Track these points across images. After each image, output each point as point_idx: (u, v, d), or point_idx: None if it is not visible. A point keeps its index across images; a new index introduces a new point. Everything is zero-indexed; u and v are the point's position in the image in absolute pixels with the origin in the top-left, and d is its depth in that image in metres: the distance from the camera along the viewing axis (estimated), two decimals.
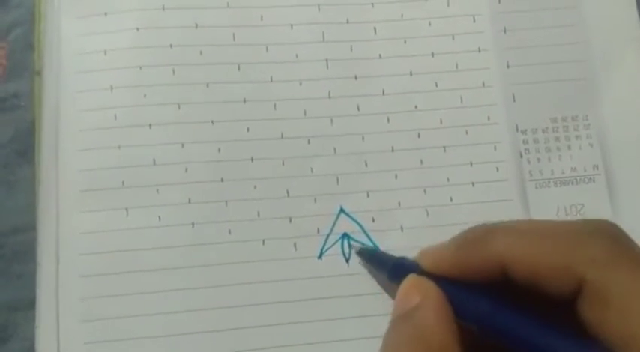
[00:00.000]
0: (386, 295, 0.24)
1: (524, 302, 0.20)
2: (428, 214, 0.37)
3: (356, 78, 0.38)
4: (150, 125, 0.37)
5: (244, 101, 0.37)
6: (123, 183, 0.36)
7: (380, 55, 0.39)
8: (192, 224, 0.36)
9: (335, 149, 0.37)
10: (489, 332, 0.20)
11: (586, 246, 0.19)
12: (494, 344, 0.20)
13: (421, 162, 0.38)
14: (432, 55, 0.39)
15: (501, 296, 0.20)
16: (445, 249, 0.22)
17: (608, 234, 0.19)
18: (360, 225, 0.36)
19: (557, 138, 0.38)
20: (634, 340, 0.17)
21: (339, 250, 0.36)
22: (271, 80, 0.38)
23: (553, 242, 0.19)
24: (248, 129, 0.37)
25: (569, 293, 0.19)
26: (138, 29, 0.38)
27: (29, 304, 0.35)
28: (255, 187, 0.36)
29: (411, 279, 0.22)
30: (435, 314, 0.20)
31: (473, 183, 0.37)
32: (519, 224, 0.21)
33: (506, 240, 0.20)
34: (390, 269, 0.24)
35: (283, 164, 0.37)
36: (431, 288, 0.21)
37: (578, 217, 0.37)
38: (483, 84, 0.39)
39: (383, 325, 0.21)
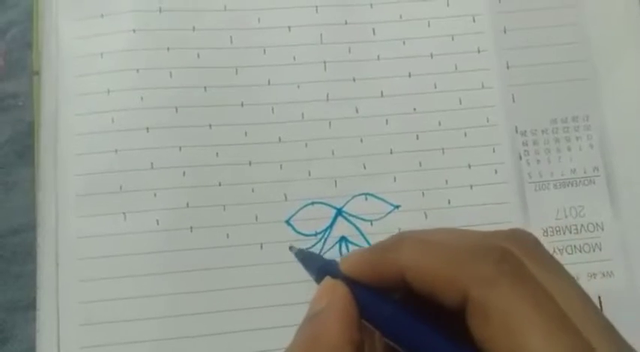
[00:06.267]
0: None
1: (427, 311, 0.20)
2: (426, 217, 0.37)
3: (354, 80, 0.38)
4: (147, 129, 0.36)
5: (242, 104, 0.37)
6: (120, 187, 0.36)
7: (378, 57, 0.38)
8: (191, 228, 0.36)
9: (333, 152, 0.37)
10: (389, 335, 0.21)
11: (473, 263, 0.20)
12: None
13: (420, 164, 0.37)
14: (431, 56, 0.39)
15: (408, 304, 0.21)
16: (363, 253, 0.22)
17: (501, 250, 0.20)
18: (357, 228, 0.36)
19: (557, 140, 0.38)
20: None
21: (337, 253, 0.36)
22: (269, 83, 0.38)
23: (446, 256, 0.20)
24: (246, 133, 0.37)
25: (458, 307, 0.20)
26: (134, 31, 0.37)
27: (28, 305, 0.35)
28: (253, 191, 0.36)
29: (324, 283, 0.23)
30: (333, 318, 0.21)
31: (471, 186, 0.37)
32: (429, 234, 0.22)
33: (408, 250, 0.21)
34: (316, 272, 0.25)
35: (281, 168, 0.37)
36: (339, 293, 0.22)
37: (578, 219, 0.37)
38: (483, 85, 0.39)
39: None
